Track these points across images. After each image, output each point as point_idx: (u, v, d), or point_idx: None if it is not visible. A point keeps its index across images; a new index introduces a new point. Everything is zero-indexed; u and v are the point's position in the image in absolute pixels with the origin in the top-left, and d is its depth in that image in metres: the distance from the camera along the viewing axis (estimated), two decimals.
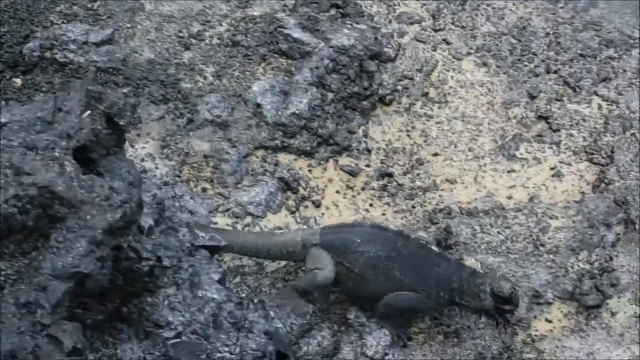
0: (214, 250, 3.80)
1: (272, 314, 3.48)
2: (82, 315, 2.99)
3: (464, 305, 4.33)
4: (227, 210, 4.77)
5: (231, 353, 3.21)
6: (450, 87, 5.44)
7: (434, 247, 4.45)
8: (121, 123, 3.02)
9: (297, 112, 5.01)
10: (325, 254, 4.27)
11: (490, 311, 4.33)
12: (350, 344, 4.29)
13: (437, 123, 5.32)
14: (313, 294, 4.33)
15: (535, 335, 4.51)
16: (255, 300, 3.42)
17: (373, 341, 4.28)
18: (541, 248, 4.80)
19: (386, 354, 4.27)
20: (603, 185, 5.06)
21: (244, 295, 4.36)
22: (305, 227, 4.69)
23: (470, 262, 4.64)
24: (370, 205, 5.04)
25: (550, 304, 4.62)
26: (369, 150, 5.20)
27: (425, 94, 5.41)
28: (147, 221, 3.27)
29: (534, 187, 5.10)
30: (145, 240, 3.07)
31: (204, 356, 3.19)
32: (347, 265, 4.25)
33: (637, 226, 4.84)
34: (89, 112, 2.98)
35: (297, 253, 4.34)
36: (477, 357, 4.35)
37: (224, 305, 3.32)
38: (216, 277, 3.52)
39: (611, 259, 4.74)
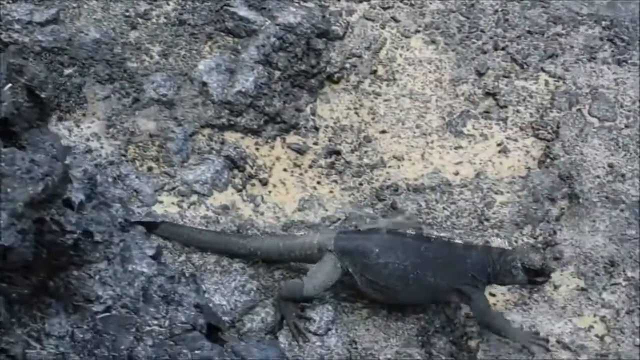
0: (150, 226, 3.81)
1: (204, 287, 3.48)
2: (7, 289, 2.99)
3: (498, 284, 4.32)
4: (173, 189, 4.76)
5: (160, 326, 3.23)
6: (399, 64, 5.45)
7: (456, 240, 4.35)
8: (43, 96, 3.00)
9: (243, 90, 5.01)
10: (330, 266, 4.21)
11: (524, 284, 4.35)
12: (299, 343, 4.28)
13: (385, 101, 5.33)
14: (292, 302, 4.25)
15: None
16: (187, 274, 3.44)
17: (316, 317, 4.29)
18: (486, 223, 4.83)
19: (329, 329, 4.29)
20: (548, 160, 5.09)
21: (188, 273, 4.34)
22: (322, 229, 4.61)
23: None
24: (318, 183, 5.05)
25: None
26: (316, 128, 5.20)
27: (374, 72, 5.41)
28: (77, 196, 3.28)
29: (480, 163, 5.13)
30: (70, 214, 3.06)
31: (133, 329, 3.21)
32: (370, 278, 4.19)
33: (580, 200, 4.89)
34: (9, 85, 2.96)
35: (314, 256, 4.30)
36: (420, 331, 4.38)
37: (155, 279, 3.34)
38: (150, 252, 3.55)
39: (555, 233, 4.79)
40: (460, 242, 4.31)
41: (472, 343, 4.42)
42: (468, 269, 4.19)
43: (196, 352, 3.17)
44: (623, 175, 5.00)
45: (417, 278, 4.16)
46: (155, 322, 3.20)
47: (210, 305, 4.16)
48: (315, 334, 4.26)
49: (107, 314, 3.20)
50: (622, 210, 4.86)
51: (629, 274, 4.62)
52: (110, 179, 4.18)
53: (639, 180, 4.99)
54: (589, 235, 4.77)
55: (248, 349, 3.27)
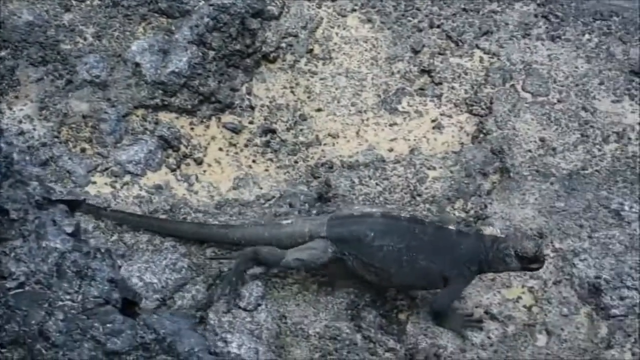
0: (73, 205, 3.83)
1: (119, 262, 3.52)
2: None
3: (492, 272, 4.33)
4: (106, 169, 4.79)
5: (73, 301, 3.26)
6: (335, 43, 5.48)
7: (449, 226, 4.31)
8: None
9: (176, 70, 5.02)
10: (319, 249, 4.22)
11: (518, 271, 4.35)
12: (224, 296, 4.34)
13: (321, 79, 5.36)
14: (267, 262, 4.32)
15: None
16: (102, 250, 3.46)
17: (246, 292, 4.33)
18: (418, 198, 4.88)
19: (259, 305, 4.33)
20: (481, 135, 5.15)
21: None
22: (311, 217, 4.55)
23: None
24: (253, 161, 5.08)
25: None
26: (252, 108, 5.23)
27: (310, 51, 5.44)
28: None
29: (414, 140, 5.18)
30: None
31: (45, 305, 3.23)
32: (366, 260, 4.19)
33: (511, 174, 4.96)
34: None
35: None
36: (350, 305, 4.43)
37: (69, 255, 3.36)
38: (69, 229, 3.55)
39: (485, 206, 4.85)
40: (453, 228, 4.28)
41: (402, 316, 4.48)
42: (460, 255, 4.19)
43: (108, 325, 3.20)
44: (554, 149, 5.07)
45: (410, 260, 4.16)
46: (68, 297, 3.23)
47: (140, 282, 4.22)
48: (245, 309, 4.31)
49: (20, 290, 3.22)
50: (551, 183, 4.93)
51: (557, 245, 4.69)
52: (27, 157, 4.18)
53: (570, 153, 5.06)
54: (519, 208, 4.84)
55: (160, 321, 3.31)
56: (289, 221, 4.41)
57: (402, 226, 4.18)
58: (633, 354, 4.33)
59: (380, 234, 4.16)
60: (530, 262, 4.19)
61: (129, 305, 3.45)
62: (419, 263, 4.17)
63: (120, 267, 3.57)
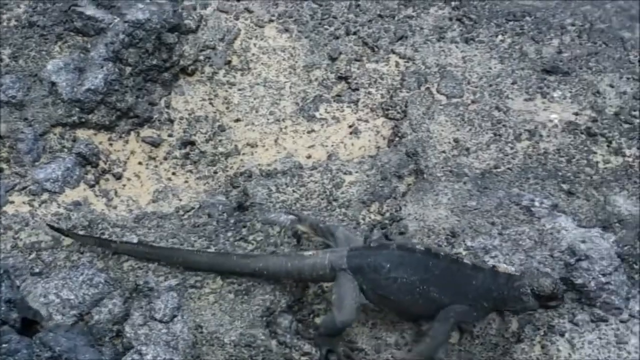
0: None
1: (17, 282, 3.57)
2: None
3: (509, 310, 4.30)
4: (24, 188, 4.84)
5: None
6: (253, 54, 5.57)
7: (465, 260, 4.27)
8: None
9: (92, 87, 5.09)
10: (350, 287, 4.23)
11: (537, 310, 4.29)
12: (140, 309, 4.40)
13: (240, 90, 5.45)
14: (334, 336, 4.33)
15: (326, 287, 4.67)
16: (1, 271, 3.51)
17: (161, 304, 4.39)
18: (334, 203, 4.97)
19: (175, 316, 4.40)
20: (397, 139, 5.25)
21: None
22: (332, 249, 4.49)
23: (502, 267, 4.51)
24: (173, 173, 5.16)
25: None
26: (171, 121, 5.31)
27: (228, 63, 5.53)
28: None
29: (332, 145, 5.28)
30: None
31: None
32: (381, 293, 4.23)
33: (425, 175, 5.06)
34: None
35: (327, 276, 4.34)
36: (265, 312, 4.49)
37: None
38: None
39: (400, 208, 4.94)
40: (468, 262, 4.26)
41: (319, 320, 4.55)
42: (472, 291, 4.18)
43: (4, 345, 3.26)
44: (468, 149, 5.18)
45: (423, 293, 4.18)
46: None
47: (58, 299, 4.27)
48: (161, 321, 4.37)
49: None
50: (464, 183, 5.03)
51: (469, 243, 4.78)
52: None
53: (483, 152, 5.17)
54: (432, 208, 4.94)
55: (56, 339, 3.37)
56: (310, 252, 4.44)
57: (416, 259, 4.20)
58: (542, 347, 4.43)
59: (395, 266, 4.19)
60: (548, 300, 4.16)
61: (30, 325, 3.50)
62: (431, 295, 4.17)
63: (19, 287, 3.61)
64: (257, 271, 4.44)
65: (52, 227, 4.53)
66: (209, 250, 4.62)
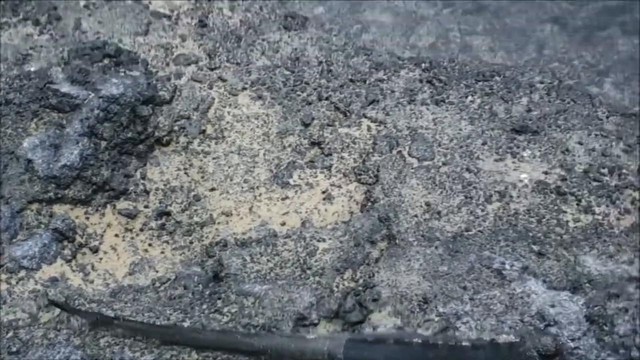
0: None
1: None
2: None
3: None
4: (1, 266, 4.92)
5: None
6: (227, 122, 5.67)
7: (464, 343, 4.30)
8: None
9: (68, 163, 5.19)
10: None
11: None
12: None
13: (214, 158, 5.54)
14: None
15: None
16: None
17: None
18: (308, 271, 5.03)
19: None
20: (370, 204, 5.33)
21: (15, 349, 4.51)
22: (331, 335, 4.60)
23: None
24: (150, 245, 5.23)
25: (316, 324, 4.82)
26: (147, 192, 5.39)
27: (203, 132, 5.63)
28: None
29: (306, 212, 5.35)
30: None
31: None
32: None
33: (397, 241, 5.12)
34: None
35: None
36: None
37: None
38: None
39: (373, 275, 5.00)
40: (467, 343, 4.29)
41: None
42: None
43: None
44: (439, 213, 5.25)
45: None
46: None
47: None
48: None
49: None
50: (436, 247, 5.10)
51: (441, 309, 4.83)
52: None
53: (454, 215, 5.24)
54: (405, 274, 5.00)
55: None
56: (313, 336, 4.52)
57: (414, 352, 4.25)
58: None
59: None
60: (553, 358, 4.23)
61: None
62: None
63: None
64: (261, 350, 4.45)
65: (54, 304, 4.58)
66: (213, 328, 4.61)
